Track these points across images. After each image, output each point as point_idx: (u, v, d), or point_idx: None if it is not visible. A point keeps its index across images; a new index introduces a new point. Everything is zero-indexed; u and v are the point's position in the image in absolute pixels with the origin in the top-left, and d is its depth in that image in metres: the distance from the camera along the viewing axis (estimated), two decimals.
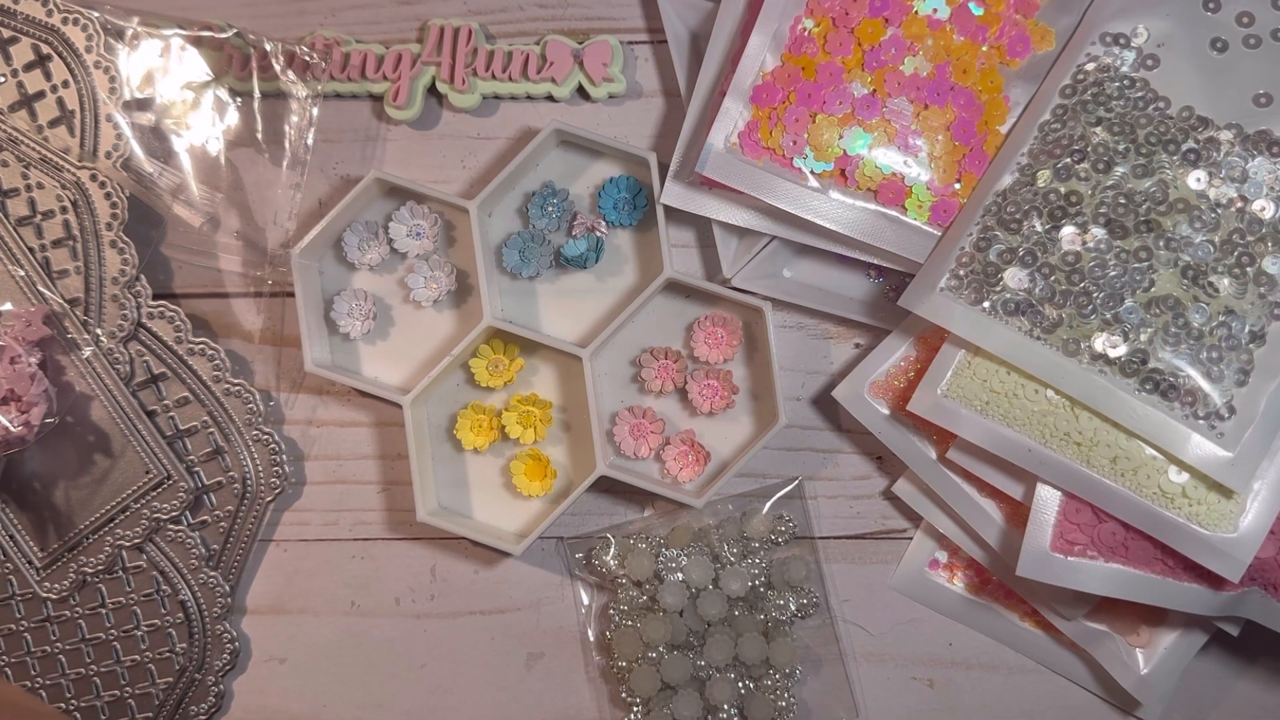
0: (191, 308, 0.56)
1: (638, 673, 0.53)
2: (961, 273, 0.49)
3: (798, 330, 0.56)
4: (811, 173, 0.51)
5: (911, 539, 0.55)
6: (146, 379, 0.55)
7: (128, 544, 0.55)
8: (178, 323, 0.55)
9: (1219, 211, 0.47)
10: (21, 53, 0.54)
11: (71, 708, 0.56)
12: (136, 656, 0.56)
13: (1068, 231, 0.48)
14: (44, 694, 0.56)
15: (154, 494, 0.54)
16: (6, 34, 0.54)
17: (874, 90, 0.50)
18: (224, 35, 0.55)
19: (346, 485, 0.57)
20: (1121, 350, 0.47)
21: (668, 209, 0.53)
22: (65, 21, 0.53)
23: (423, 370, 0.55)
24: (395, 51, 0.56)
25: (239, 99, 0.55)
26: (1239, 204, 0.47)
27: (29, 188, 0.54)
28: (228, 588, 0.56)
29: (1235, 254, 0.47)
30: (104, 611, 0.56)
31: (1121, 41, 0.49)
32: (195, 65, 0.54)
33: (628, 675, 0.54)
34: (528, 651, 0.56)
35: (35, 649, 0.56)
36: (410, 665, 0.56)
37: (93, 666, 0.56)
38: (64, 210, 0.54)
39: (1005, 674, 0.55)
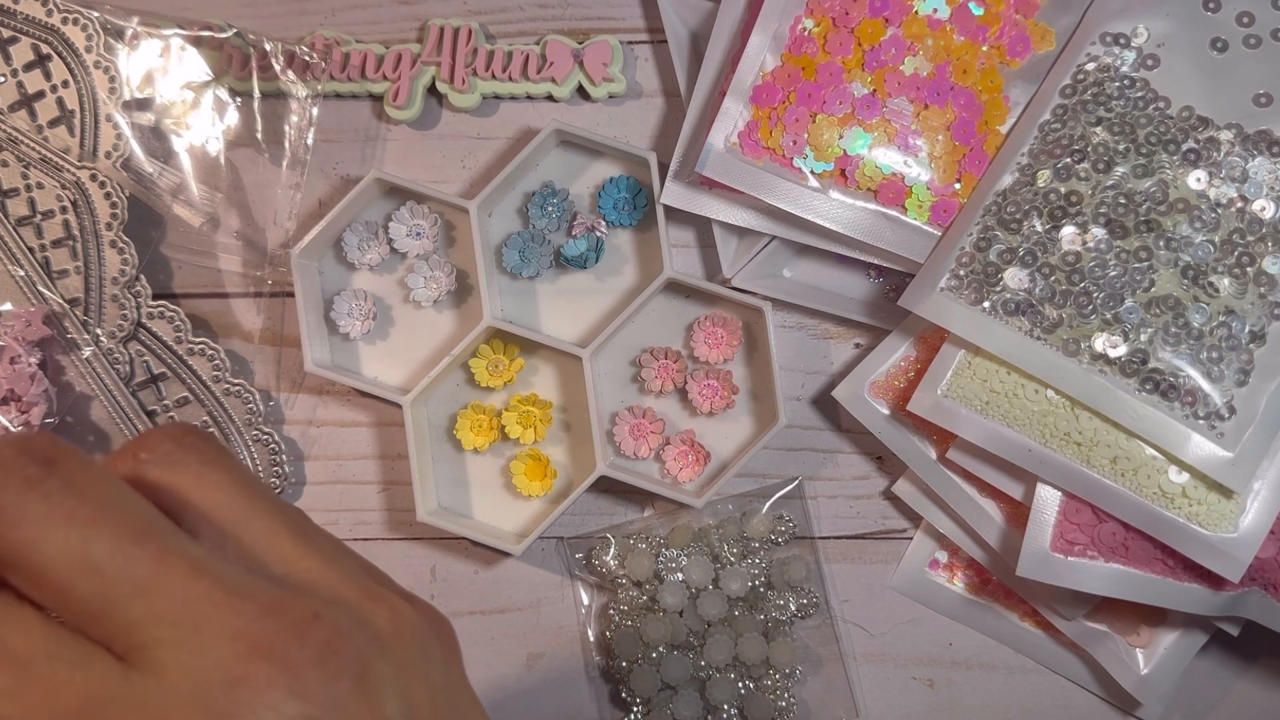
0: (191, 308, 0.56)
1: (638, 673, 0.53)
2: (961, 273, 0.49)
3: (798, 330, 0.56)
4: (811, 173, 0.51)
5: (911, 539, 0.55)
6: (146, 379, 0.55)
7: None
8: (178, 323, 0.55)
9: (1219, 211, 0.47)
10: (21, 53, 0.54)
11: None
12: None
13: (1068, 231, 0.48)
14: None
15: None
16: (6, 34, 0.54)
17: (874, 90, 0.50)
18: (224, 35, 0.55)
19: (346, 485, 0.57)
20: (1121, 350, 0.47)
21: (668, 209, 0.53)
22: (65, 21, 0.53)
23: (423, 370, 0.55)
24: (395, 51, 0.56)
25: (239, 99, 0.55)
26: (1239, 204, 0.47)
27: (29, 188, 0.54)
28: None
29: (1235, 254, 0.47)
30: None
31: (1121, 41, 0.49)
32: (195, 65, 0.54)
33: (628, 675, 0.54)
34: (528, 651, 0.56)
35: None
36: None
37: None
38: (64, 210, 0.54)
39: (1005, 674, 0.55)
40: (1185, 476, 0.46)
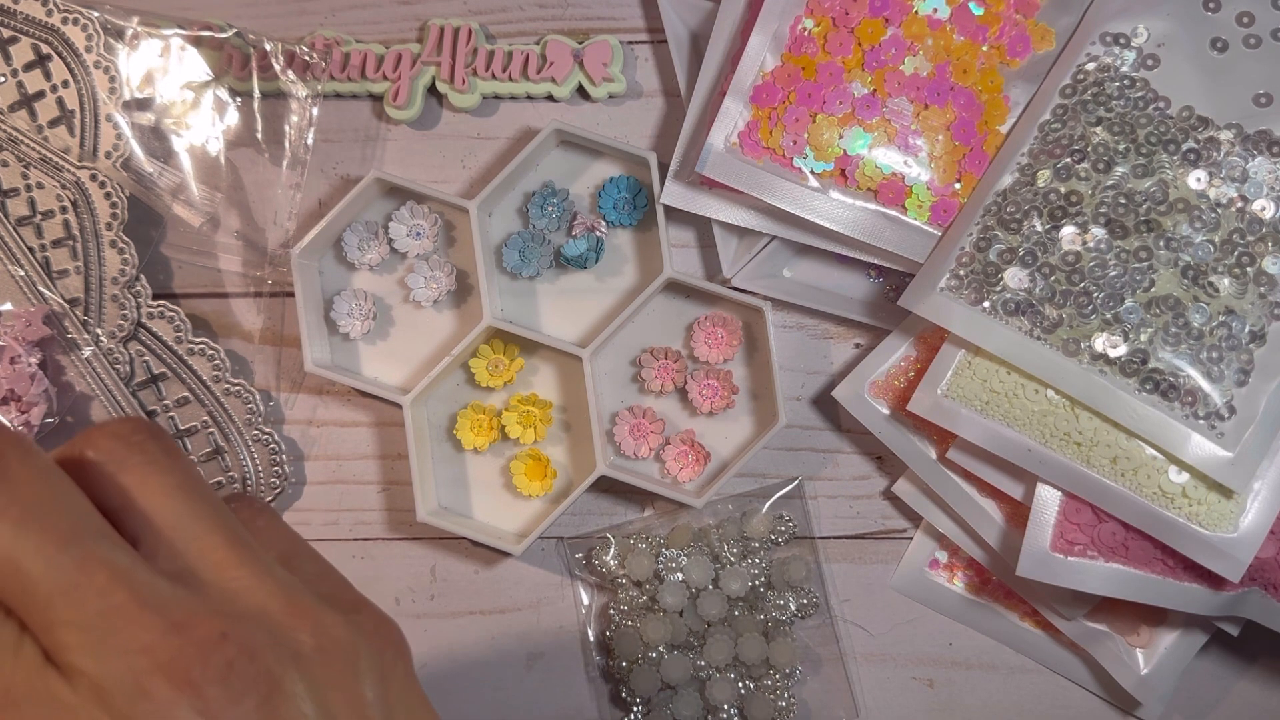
0: (191, 308, 0.56)
1: (638, 673, 0.53)
2: (961, 273, 0.49)
3: (798, 330, 0.56)
4: (811, 173, 0.51)
5: (911, 539, 0.55)
6: (146, 379, 0.55)
7: None
8: (178, 323, 0.55)
9: (1219, 211, 0.47)
10: (21, 52, 0.54)
11: None
12: None
13: (1068, 231, 0.48)
14: None
15: None
16: (6, 34, 0.54)
17: (874, 90, 0.50)
18: (224, 35, 0.55)
19: (346, 485, 0.57)
20: (1121, 350, 0.47)
21: (668, 209, 0.53)
22: (65, 21, 0.53)
23: (423, 370, 0.55)
24: (395, 51, 0.56)
25: (239, 99, 0.55)
26: (1239, 204, 0.47)
27: (29, 188, 0.54)
28: None
29: (1235, 254, 0.47)
30: None
31: (1121, 41, 0.49)
32: (195, 65, 0.54)
33: (628, 675, 0.54)
34: (528, 651, 0.56)
35: None
36: None
37: None
38: (64, 210, 0.54)
39: (1005, 674, 0.55)
40: (1185, 476, 0.46)
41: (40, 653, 0.20)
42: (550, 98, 0.57)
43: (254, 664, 0.21)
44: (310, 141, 0.56)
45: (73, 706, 0.20)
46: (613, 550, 0.55)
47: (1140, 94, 0.49)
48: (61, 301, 0.54)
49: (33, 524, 0.20)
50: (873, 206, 0.51)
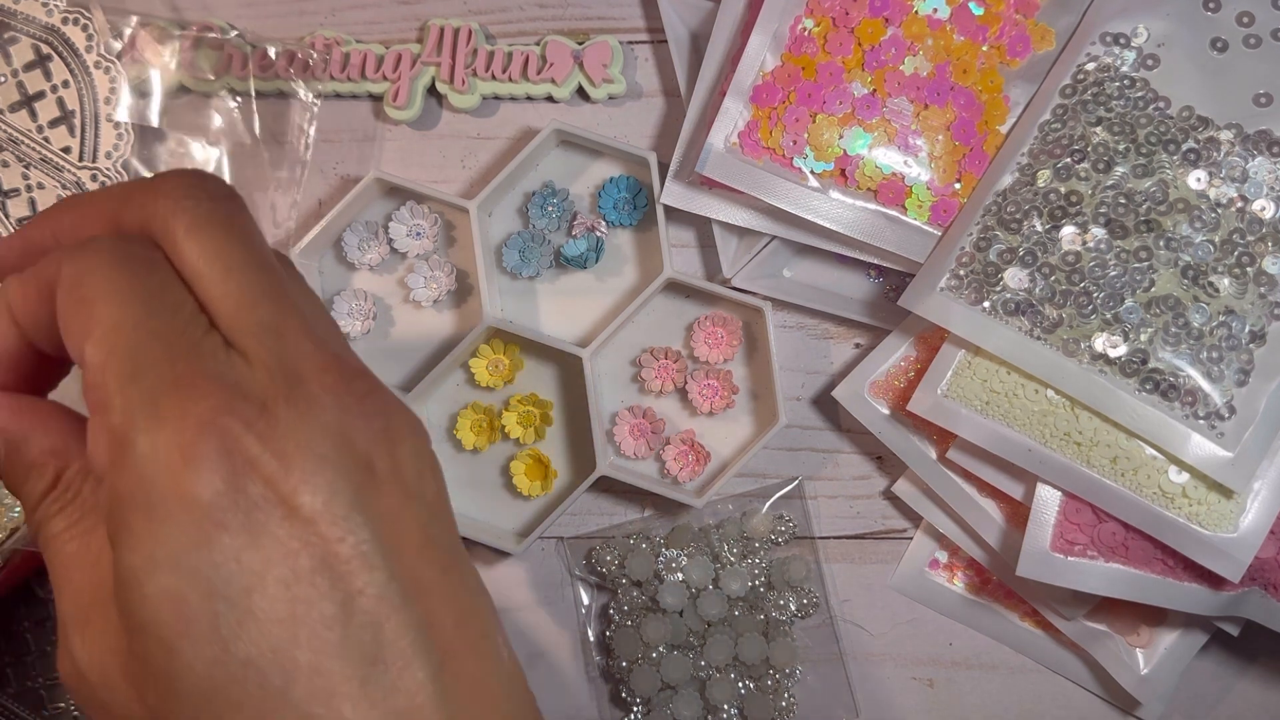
0: None
1: (638, 673, 0.53)
2: (961, 273, 0.49)
3: (798, 330, 0.56)
4: (811, 173, 0.51)
5: (911, 539, 0.55)
6: None
7: None
8: None
9: (1219, 211, 0.47)
10: (21, 53, 0.54)
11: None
12: None
13: (1068, 231, 0.48)
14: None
15: None
16: (6, 34, 0.54)
17: (874, 90, 0.50)
18: (224, 35, 0.55)
19: None
20: (1121, 350, 0.47)
21: (668, 209, 0.53)
22: (65, 21, 0.53)
23: (423, 370, 0.55)
24: (395, 51, 0.56)
25: (239, 99, 0.55)
26: (1239, 204, 0.47)
27: (29, 188, 0.54)
28: None
29: (1235, 254, 0.47)
30: None
31: (1122, 41, 0.49)
32: (195, 65, 0.54)
33: (628, 675, 0.54)
34: (528, 651, 0.56)
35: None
36: None
37: None
38: None
39: (1005, 674, 0.55)
40: (1185, 476, 0.46)
41: (223, 342, 0.25)
42: (550, 98, 0.57)
43: (404, 418, 0.26)
44: (310, 141, 0.56)
45: (246, 374, 0.25)
46: (613, 550, 0.55)
47: (1140, 94, 0.49)
48: None
49: (256, 257, 0.26)
50: (873, 206, 0.51)
